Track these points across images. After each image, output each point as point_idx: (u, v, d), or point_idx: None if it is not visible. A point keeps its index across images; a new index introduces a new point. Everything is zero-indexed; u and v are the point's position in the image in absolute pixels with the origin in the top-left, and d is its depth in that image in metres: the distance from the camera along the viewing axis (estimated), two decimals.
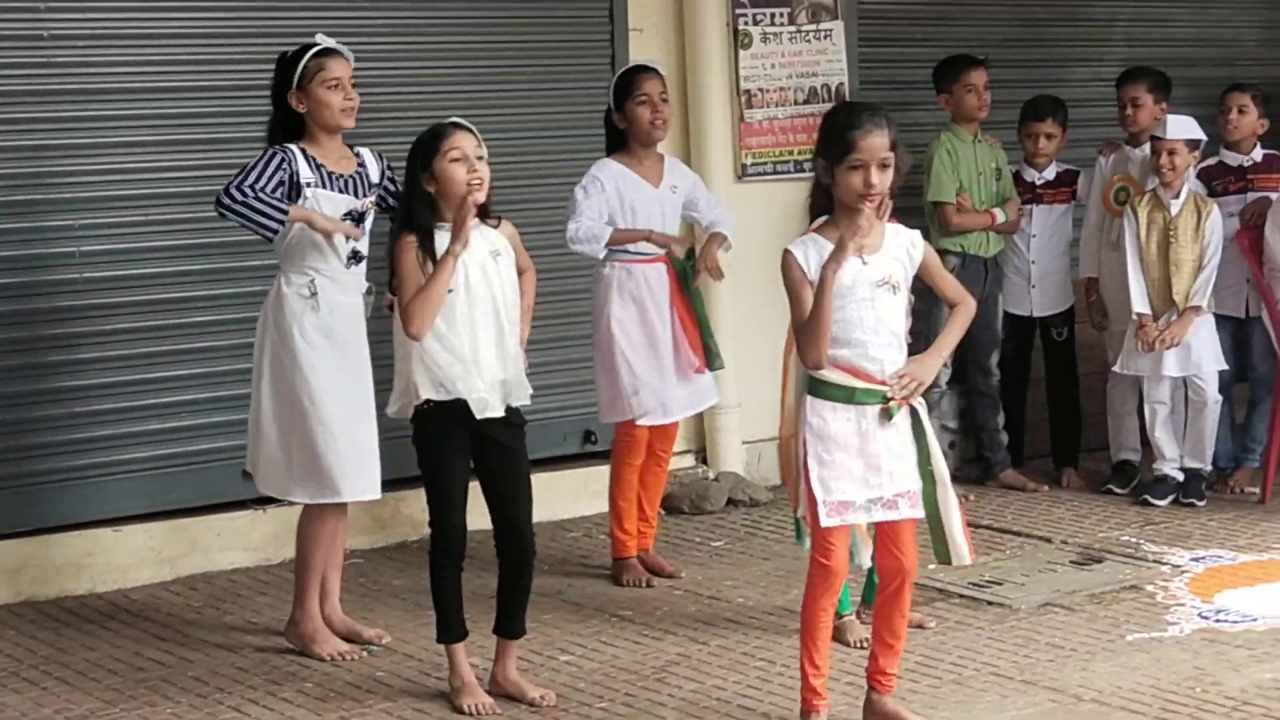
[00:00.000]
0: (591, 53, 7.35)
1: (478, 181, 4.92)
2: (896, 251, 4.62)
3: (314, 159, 5.46)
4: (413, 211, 4.97)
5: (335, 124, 5.49)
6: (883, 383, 4.57)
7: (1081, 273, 7.80)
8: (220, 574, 6.55)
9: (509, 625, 5.16)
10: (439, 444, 4.97)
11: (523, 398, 5.05)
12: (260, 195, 5.32)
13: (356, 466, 5.52)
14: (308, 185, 5.42)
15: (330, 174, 5.48)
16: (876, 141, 4.48)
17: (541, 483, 6.92)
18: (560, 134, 7.22)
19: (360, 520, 6.71)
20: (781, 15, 7.71)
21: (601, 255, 6.19)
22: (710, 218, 6.47)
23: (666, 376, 6.31)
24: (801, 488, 4.64)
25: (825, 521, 4.56)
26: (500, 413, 4.97)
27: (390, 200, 5.62)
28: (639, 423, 6.30)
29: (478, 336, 4.93)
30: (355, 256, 5.52)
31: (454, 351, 4.91)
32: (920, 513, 4.64)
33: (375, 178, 5.62)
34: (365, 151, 5.63)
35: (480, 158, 4.95)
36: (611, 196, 6.21)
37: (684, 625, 5.86)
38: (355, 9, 6.87)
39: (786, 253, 4.57)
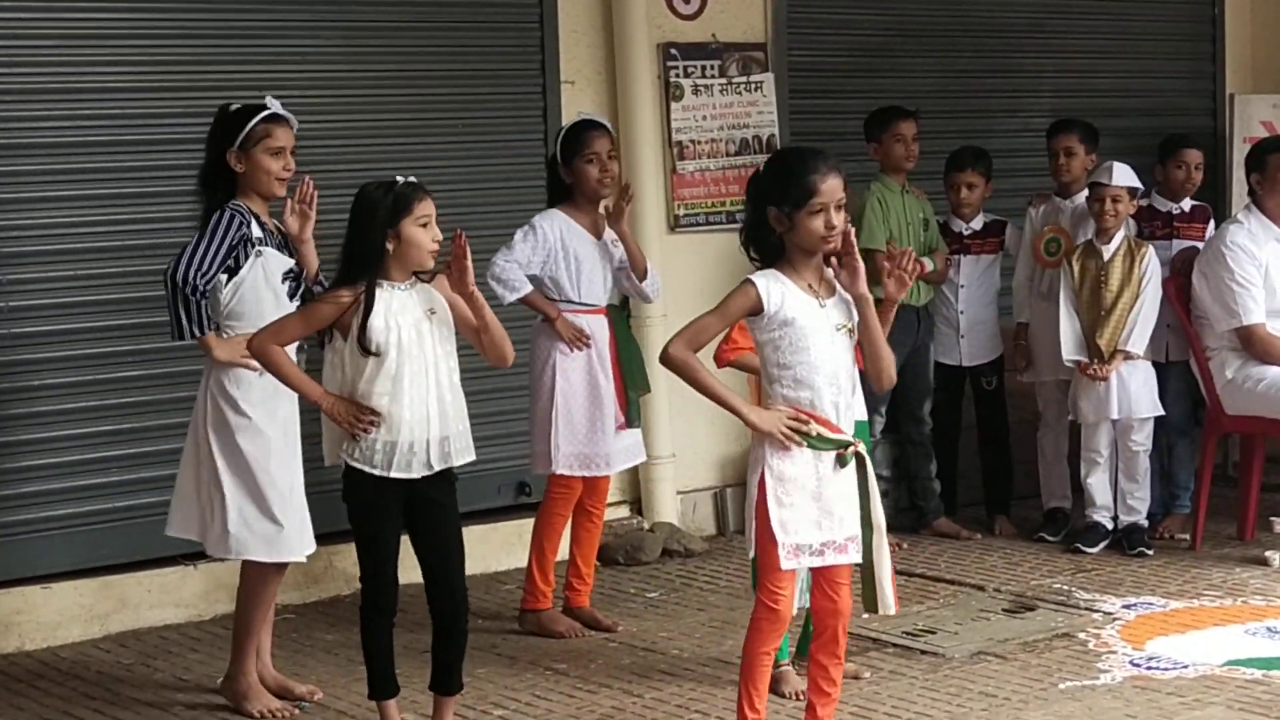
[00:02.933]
0: (524, 105, 7.38)
1: (438, 247, 4.94)
2: (844, 297, 4.65)
3: (258, 216, 5.46)
4: (357, 266, 4.90)
5: (270, 192, 5.50)
6: (838, 429, 4.60)
7: (1015, 318, 7.85)
8: (150, 631, 6.50)
9: (445, 681, 5.12)
10: (370, 500, 4.95)
11: (466, 456, 5.03)
12: (200, 301, 5.31)
13: (301, 524, 5.51)
14: (259, 242, 5.41)
15: (271, 231, 5.48)
16: (834, 184, 4.56)
17: (475, 535, 6.95)
18: (493, 186, 7.24)
19: (292, 575, 6.66)
20: (712, 68, 7.76)
21: (508, 301, 6.18)
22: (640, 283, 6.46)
23: (608, 428, 6.31)
24: (752, 529, 4.64)
25: (785, 564, 4.58)
26: (424, 473, 4.95)
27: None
28: (581, 474, 6.29)
29: (412, 398, 4.91)
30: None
31: (387, 414, 4.89)
32: (859, 557, 4.67)
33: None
34: (276, 223, 5.61)
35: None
36: (555, 246, 6.22)
37: (619, 678, 5.84)
38: (286, 63, 6.87)
39: (748, 281, 4.57)
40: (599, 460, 6.32)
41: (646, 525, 7.62)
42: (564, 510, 6.38)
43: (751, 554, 4.70)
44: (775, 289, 4.55)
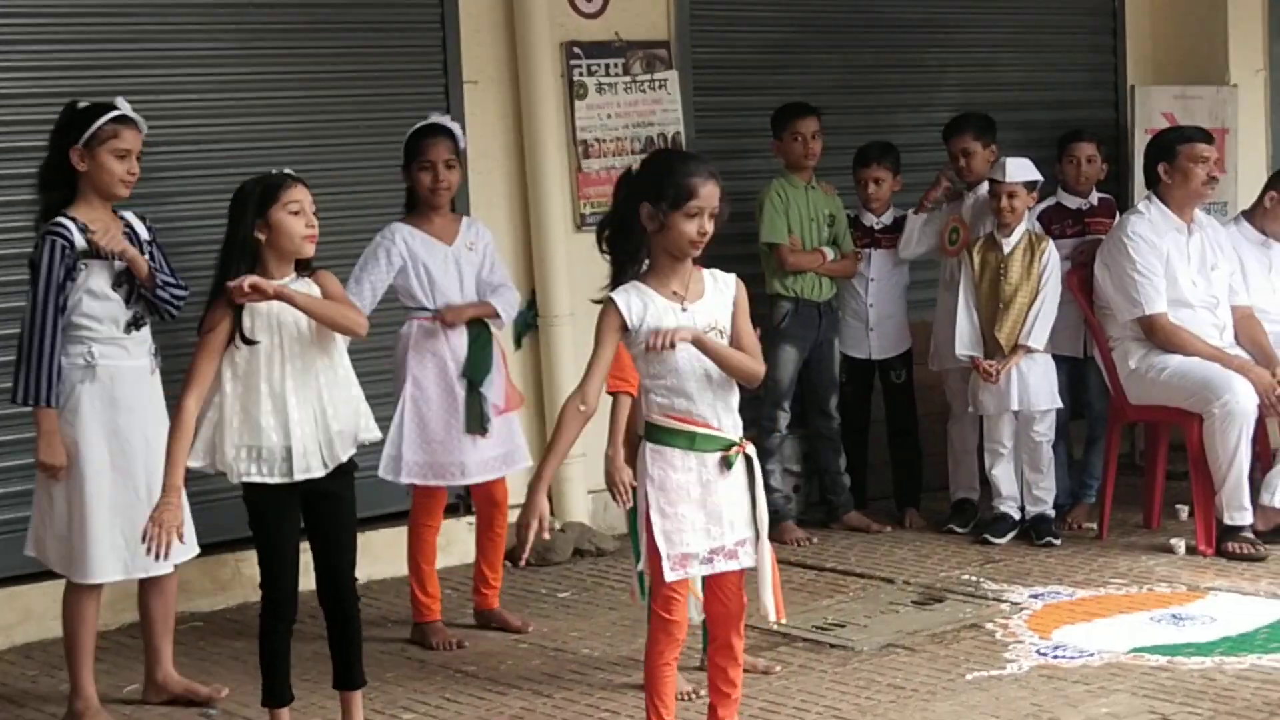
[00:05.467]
0: (426, 106, 7.26)
1: (313, 235, 4.90)
2: (718, 297, 4.64)
3: (86, 227, 5.35)
4: (231, 261, 4.88)
5: (113, 194, 5.44)
6: (719, 429, 4.59)
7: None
8: (56, 642, 6.38)
9: (347, 676, 5.11)
10: (267, 505, 4.91)
11: (350, 448, 4.99)
12: (50, 361, 5.27)
13: (126, 543, 5.40)
14: (84, 255, 5.32)
15: (97, 247, 5.35)
16: (714, 190, 4.55)
17: (383, 539, 6.95)
18: (395, 188, 7.16)
19: (199, 582, 6.63)
20: (616, 66, 7.75)
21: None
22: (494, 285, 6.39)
23: (460, 436, 6.20)
24: (644, 540, 4.63)
25: (669, 576, 4.54)
26: (322, 472, 4.92)
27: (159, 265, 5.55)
28: (433, 483, 6.22)
29: (298, 399, 4.87)
30: (135, 323, 5.45)
31: (264, 417, 4.85)
32: (754, 561, 4.65)
33: (145, 235, 5.56)
34: (129, 215, 5.56)
35: (314, 210, 4.93)
36: (405, 260, 6.18)
37: (529, 679, 5.82)
38: (184, 65, 6.81)
39: (609, 300, 4.56)
40: (453, 469, 6.22)
41: (557, 525, 7.59)
42: (426, 519, 6.32)
43: (640, 565, 4.69)
44: (635, 303, 4.52)
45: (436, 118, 6.40)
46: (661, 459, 4.56)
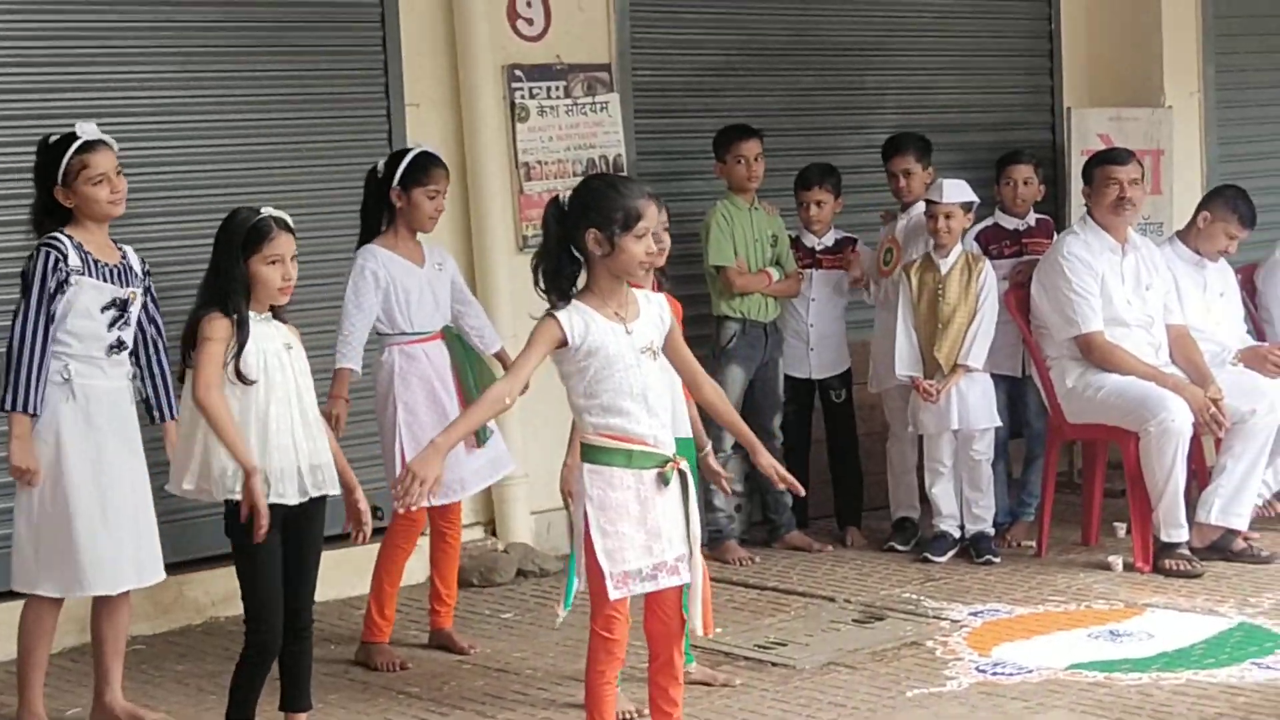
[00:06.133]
0: (368, 129, 7.36)
1: (289, 288, 4.94)
2: (651, 318, 4.69)
3: (81, 245, 5.41)
4: (228, 292, 4.91)
5: (105, 216, 5.48)
6: (655, 446, 4.64)
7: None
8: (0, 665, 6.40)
9: (295, 699, 5.15)
10: (259, 544, 4.91)
11: (333, 488, 5.04)
12: (36, 370, 5.29)
13: (114, 557, 5.44)
14: (74, 273, 5.36)
15: (96, 261, 5.44)
16: (656, 209, 4.63)
17: (329, 560, 6.85)
18: (338, 211, 7.19)
19: (142, 606, 6.60)
20: (558, 89, 7.79)
21: (339, 365, 6.20)
22: (478, 326, 6.53)
23: (458, 452, 6.24)
24: (581, 560, 4.66)
25: (613, 594, 4.58)
26: (296, 499, 4.95)
27: (148, 301, 5.60)
28: (439, 502, 6.27)
29: (278, 426, 4.91)
30: (118, 346, 5.47)
31: (251, 438, 4.88)
32: (689, 577, 4.70)
33: (139, 270, 5.59)
34: (128, 249, 5.60)
35: (294, 257, 4.96)
36: (389, 282, 6.22)
37: (472, 700, 5.84)
38: (126, 89, 6.82)
39: (550, 315, 4.59)
40: (454, 486, 6.28)
41: (501, 546, 7.63)
42: (404, 544, 6.35)
43: (581, 584, 4.71)
44: (578, 321, 4.56)
45: (428, 147, 6.48)
46: (600, 478, 4.60)
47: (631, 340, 4.60)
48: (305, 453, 4.96)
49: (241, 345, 4.87)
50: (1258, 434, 7.29)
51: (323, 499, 5.05)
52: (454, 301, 6.47)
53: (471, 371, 6.35)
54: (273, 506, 4.89)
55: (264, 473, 4.87)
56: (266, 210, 4.98)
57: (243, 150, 7.08)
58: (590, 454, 4.62)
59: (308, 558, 5.06)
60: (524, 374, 4.61)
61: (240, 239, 4.91)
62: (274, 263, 4.91)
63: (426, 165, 6.29)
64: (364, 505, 5.12)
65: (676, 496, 4.66)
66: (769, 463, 4.90)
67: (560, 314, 4.57)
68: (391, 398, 6.23)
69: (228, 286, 4.91)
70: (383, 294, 6.21)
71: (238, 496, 4.87)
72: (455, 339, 6.37)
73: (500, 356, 6.56)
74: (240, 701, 5.04)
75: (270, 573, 4.96)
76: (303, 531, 5.01)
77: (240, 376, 4.86)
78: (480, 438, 6.29)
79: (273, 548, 4.94)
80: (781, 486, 4.95)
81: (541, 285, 4.65)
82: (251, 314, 4.93)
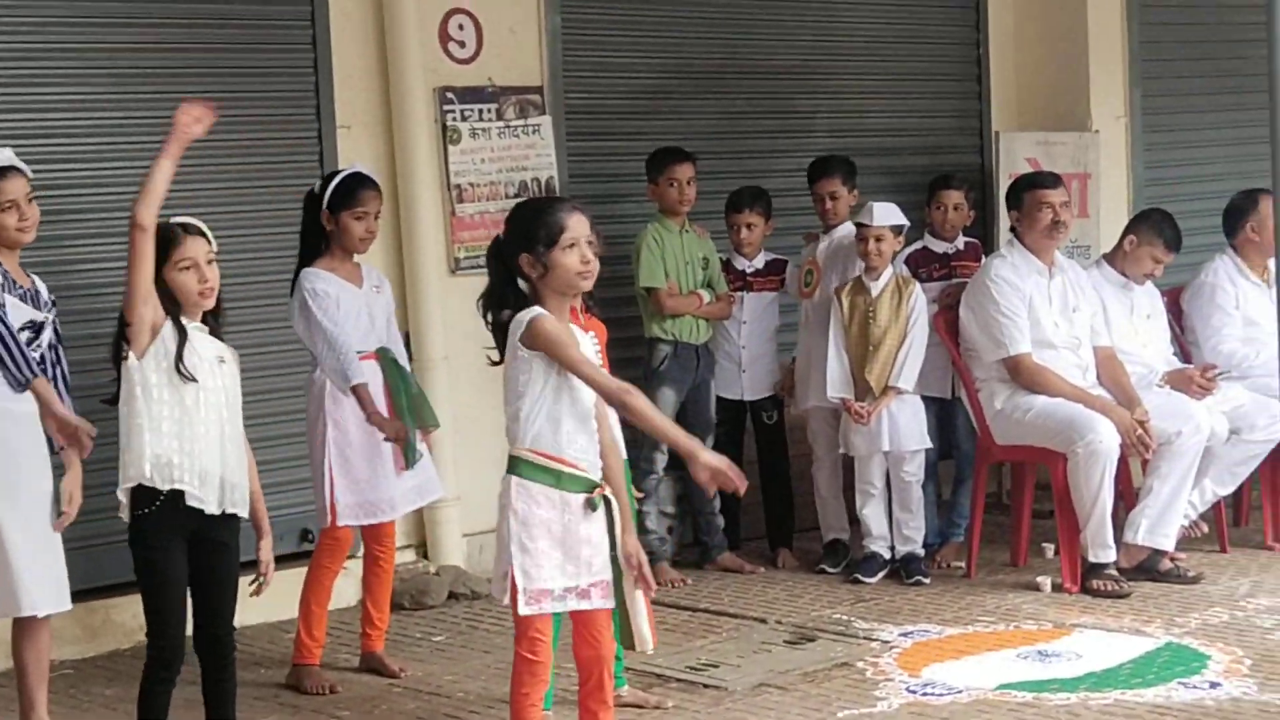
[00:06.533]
0: (300, 151, 7.35)
1: (209, 290, 4.91)
2: (589, 345, 4.73)
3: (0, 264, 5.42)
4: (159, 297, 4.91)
5: (14, 243, 5.51)
6: (585, 471, 4.65)
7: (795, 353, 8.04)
8: None
9: None
10: (158, 552, 4.88)
11: (243, 509, 5.00)
12: (19, 345, 5.32)
13: (38, 579, 5.40)
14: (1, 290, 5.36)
15: (15, 282, 5.45)
16: (582, 219, 4.66)
17: None
18: (270, 232, 7.19)
19: (70, 630, 6.55)
20: (490, 111, 7.80)
21: (345, 386, 6.17)
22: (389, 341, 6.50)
23: (388, 473, 6.29)
24: (499, 570, 4.66)
25: (523, 610, 4.60)
26: (214, 509, 4.91)
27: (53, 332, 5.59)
28: (366, 522, 6.27)
29: (202, 431, 4.88)
30: (23, 384, 5.44)
31: (177, 438, 4.85)
32: (611, 603, 4.72)
33: (46, 298, 5.60)
34: (36, 278, 5.62)
35: (211, 260, 4.94)
36: (333, 302, 6.22)
37: None
38: (56, 110, 6.79)
39: (536, 313, 4.59)
40: (383, 506, 6.30)
41: (432, 569, 7.61)
42: (330, 564, 6.34)
43: (505, 599, 4.72)
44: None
45: (360, 167, 6.47)
46: (526, 493, 4.61)
47: (586, 349, 4.65)
48: (228, 467, 4.93)
49: (181, 345, 4.83)
50: (1184, 455, 7.36)
51: (235, 521, 5.01)
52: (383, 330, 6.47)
53: (406, 395, 6.35)
54: (190, 510, 4.86)
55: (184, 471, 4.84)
56: (175, 220, 4.96)
57: (175, 172, 7.02)
58: (519, 468, 4.64)
59: (221, 580, 5.00)
60: (592, 368, 4.60)
61: (156, 252, 4.89)
62: (187, 268, 4.89)
63: (354, 188, 6.28)
64: (267, 556, 5.08)
65: (602, 523, 4.68)
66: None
67: (539, 310, 4.59)
68: (322, 416, 6.22)
69: (160, 293, 4.89)
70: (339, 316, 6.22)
71: (147, 481, 4.82)
72: (390, 361, 6.37)
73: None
74: (147, 718, 5.00)
75: (171, 586, 4.90)
76: (212, 552, 4.95)
77: (182, 375, 4.83)
78: (409, 460, 6.27)
79: (175, 560, 4.89)
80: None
81: (489, 321, 4.69)
82: (188, 320, 4.90)
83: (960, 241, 8.14)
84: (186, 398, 4.86)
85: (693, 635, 6.78)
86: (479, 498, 7.78)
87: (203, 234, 4.97)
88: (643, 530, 7.55)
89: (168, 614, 4.93)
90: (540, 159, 7.93)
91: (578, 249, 4.61)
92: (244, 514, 5.01)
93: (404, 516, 7.30)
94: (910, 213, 7.77)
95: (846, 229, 7.79)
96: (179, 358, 4.83)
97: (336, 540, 6.30)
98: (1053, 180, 7.61)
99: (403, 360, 6.52)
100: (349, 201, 6.25)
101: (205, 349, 4.93)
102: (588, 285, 4.68)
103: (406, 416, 6.30)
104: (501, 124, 7.83)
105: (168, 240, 4.89)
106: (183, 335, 4.85)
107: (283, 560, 7.14)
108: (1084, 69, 9.40)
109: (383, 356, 6.35)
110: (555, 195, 4.86)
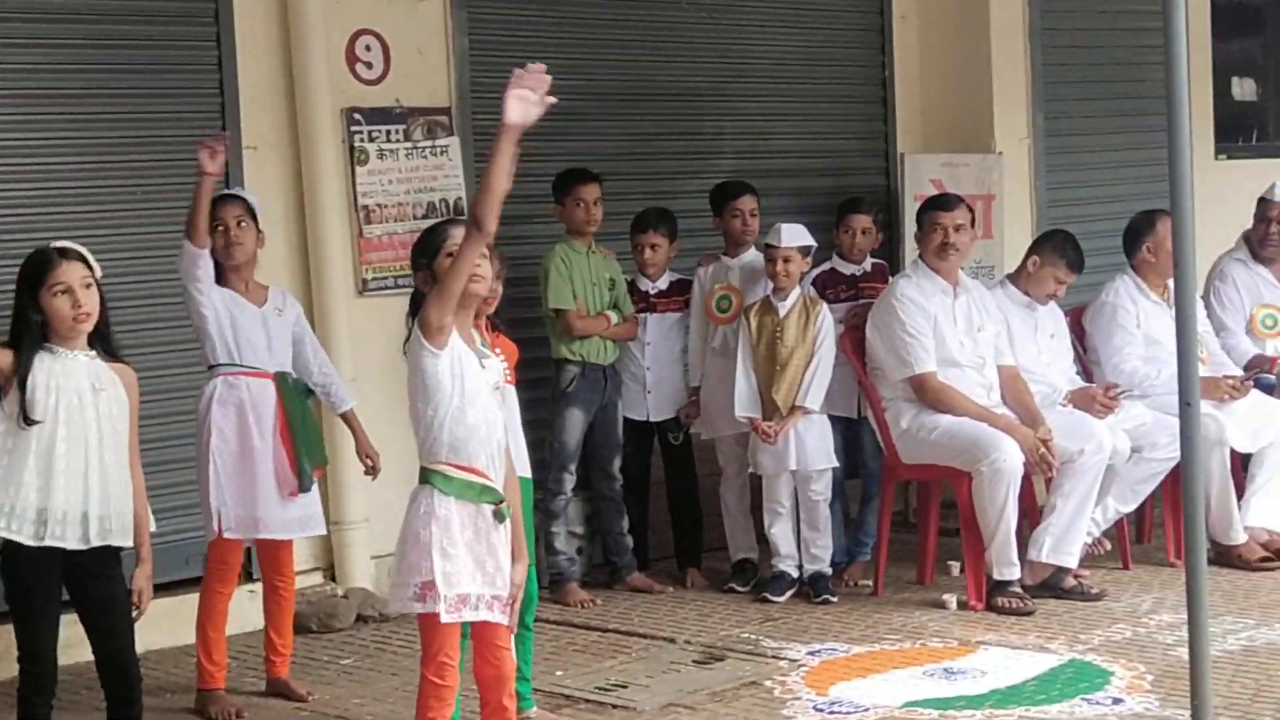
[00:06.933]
0: None
1: (84, 315, 4.87)
2: (498, 362, 4.76)
3: None
4: (19, 333, 4.89)
5: None
6: (496, 483, 4.67)
7: (690, 381, 8.04)
8: None
9: None
10: (26, 572, 4.84)
11: (124, 539, 4.95)
12: None
13: None
14: None
15: None
16: (457, 232, 4.72)
17: (165, 607, 6.82)
18: (174, 253, 7.12)
19: None
20: (397, 132, 7.78)
21: (195, 293, 6.13)
22: (323, 381, 6.51)
23: (262, 493, 6.22)
24: (412, 584, 4.65)
25: (446, 618, 4.60)
26: (78, 545, 4.86)
27: None
28: (245, 535, 6.23)
29: (67, 467, 4.83)
30: None
31: (38, 476, 4.80)
32: (508, 620, 4.72)
33: None
34: None
35: (90, 285, 4.89)
36: (219, 311, 6.18)
37: None
38: None
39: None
40: (252, 523, 6.23)
41: (340, 591, 7.57)
42: (221, 587, 6.29)
43: (416, 609, 4.70)
44: (454, 338, 4.63)
45: (235, 189, 6.49)
46: (444, 502, 4.62)
47: (486, 376, 4.68)
48: (96, 500, 4.87)
49: (23, 381, 4.79)
50: (1086, 473, 7.45)
51: (114, 553, 4.95)
52: (304, 354, 6.45)
53: (304, 423, 6.30)
54: (51, 550, 4.81)
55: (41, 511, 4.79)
56: (52, 244, 4.93)
57: (80, 194, 6.99)
58: (433, 479, 4.64)
59: (104, 609, 4.95)
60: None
61: (26, 279, 4.88)
62: (61, 292, 4.85)
63: (213, 207, 6.24)
64: (140, 585, 5.03)
65: (506, 537, 4.70)
66: None
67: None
68: (207, 424, 6.20)
69: (16, 323, 4.88)
70: (215, 320, 6.19)
71: (4, 533, 4.79)
72: (291, 387, 6.31)
73: (348, 418, 6.56)
74: None
75: (38, 610, 4.87)
76: (90, 582, 4.92)
77: (24, 416, 4.78)
78: (303, 484, 6.23)
79: (43, 587, 4.86)
80: None
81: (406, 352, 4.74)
82: (61, 348, 4.86)
83: (867, 263, 8.21)
84: (42, 437, 4.81)
85: (601, 656, 6.78)
86: (387, 519, 7.71)
87: (82, 259, 4.92)
88: (552, 551, 7.58)
89: (36, 637, 4.89)
90: (448, 180, 7.92)
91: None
92: (123, 543, 4.96)
93: (311, 540, 7.31)
94: (817, 234, 7.82)
95: (755, 254, 7.84)
96: (22, 397, 4.77)
97: (225, 563, 6.26)
98: (948, 202, 7.70)
99: (342, 393, 6.51)
100: (211, 220, 6.22)
101: (75, 378, 4.87)
102: (479, 291, 4.67)
103: (301, 444, 6.25)
104: (409, 145, 7.82)
105: (42, 264, 4.86)
106: (23, 373, 4.78)
107: (189, 584, 7.15)
108: (987, 92, 9.50)
109: (282, 381, 6.30)
110: (450, 218, 4.88)
